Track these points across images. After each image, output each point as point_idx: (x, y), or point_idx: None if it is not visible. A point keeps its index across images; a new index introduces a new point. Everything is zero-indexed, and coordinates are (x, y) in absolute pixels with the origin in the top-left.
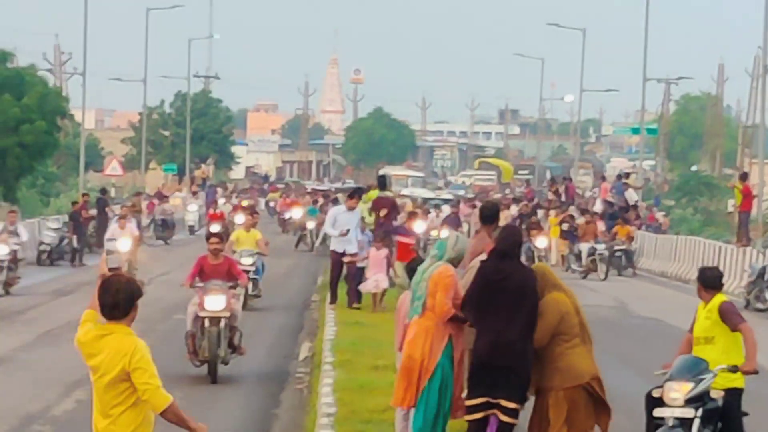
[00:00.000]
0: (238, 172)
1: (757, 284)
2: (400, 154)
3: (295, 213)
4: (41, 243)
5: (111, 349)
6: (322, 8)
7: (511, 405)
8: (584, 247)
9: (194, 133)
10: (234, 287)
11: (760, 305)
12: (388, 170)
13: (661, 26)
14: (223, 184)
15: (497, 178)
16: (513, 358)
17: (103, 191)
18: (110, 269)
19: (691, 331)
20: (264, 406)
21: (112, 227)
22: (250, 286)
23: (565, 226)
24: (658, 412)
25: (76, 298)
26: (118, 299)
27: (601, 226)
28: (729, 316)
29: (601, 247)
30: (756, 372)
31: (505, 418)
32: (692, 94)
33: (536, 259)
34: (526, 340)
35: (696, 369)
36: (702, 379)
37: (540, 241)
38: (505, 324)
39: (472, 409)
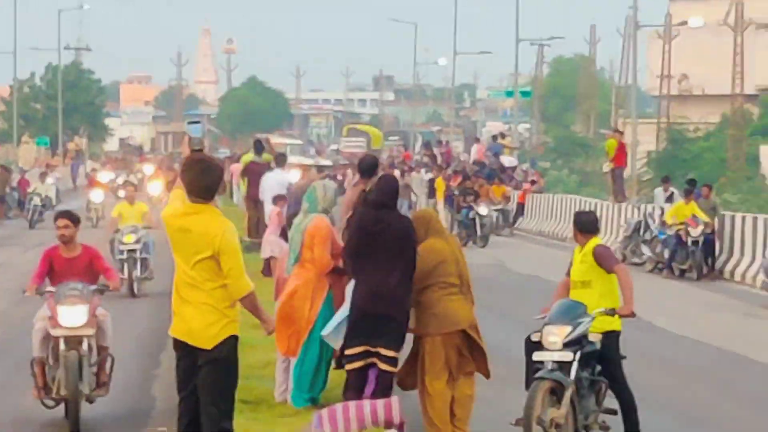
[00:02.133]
0: (111, 144)
1: (633, 239)
2: (276, 122)
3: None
4: None
5: (201, 229)
6: None
7: (390, 353)
8: (482, 210)
9: (66, 106)
10: (101, 291)
11: (636, 259)
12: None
13: None
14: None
15: (367, 144)
16: (392, 307)
17: None
18: (193, 151)
19: (568, 275)
20: (144, 368)
21: None
22: (139, 267)
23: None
24: (537, 356)
25: None
26: (208, 181)
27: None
28: (604, 259)
29: (489, 210)
30: (633, 315)
31: (384, 366)
32: (565, 56)
33: (478, 228)
34: (405, 289)
35: (574, 312)
36: (580, 323)
37: (483, 209)
38: (384, 273)
39: (351, 358)
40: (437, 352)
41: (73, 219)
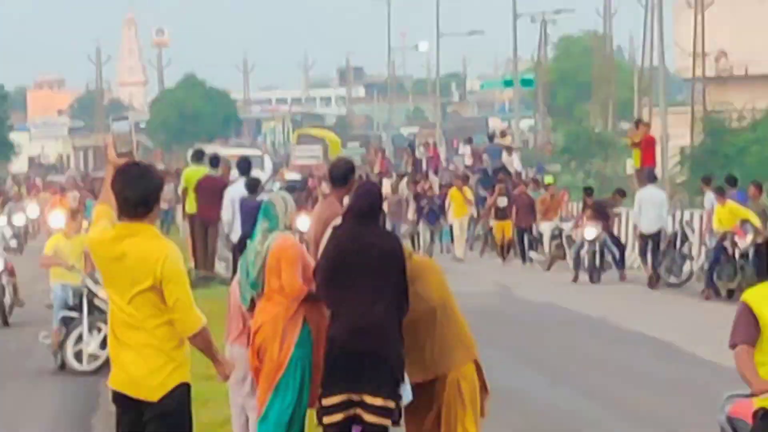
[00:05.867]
0: (20, 164)
1: (668, 254)
2: (221, 129)
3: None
4: None
5: (138, 254)
6: None
7: (378, 401)
8: (547, 227)
9: None
10: None
11: (673, 279)
12: (214, 149)
13: None
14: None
15: (323, 153)
16: (379, 342)
17: None
18: (119, 154)
19: (748, 343)
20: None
21: None
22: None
23: (502, 202)
24: None
25: None
26: (143, 193)
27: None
28: None
29: (568, 227)
30: None
31: (370, 419)
32: (574, 34)
33: (585, 255)
34: (394, 320)
35: None
36: None
37: (589, 232)
38: (368, 302)
39: (329, 410)
40: (475, 382)
41: None
